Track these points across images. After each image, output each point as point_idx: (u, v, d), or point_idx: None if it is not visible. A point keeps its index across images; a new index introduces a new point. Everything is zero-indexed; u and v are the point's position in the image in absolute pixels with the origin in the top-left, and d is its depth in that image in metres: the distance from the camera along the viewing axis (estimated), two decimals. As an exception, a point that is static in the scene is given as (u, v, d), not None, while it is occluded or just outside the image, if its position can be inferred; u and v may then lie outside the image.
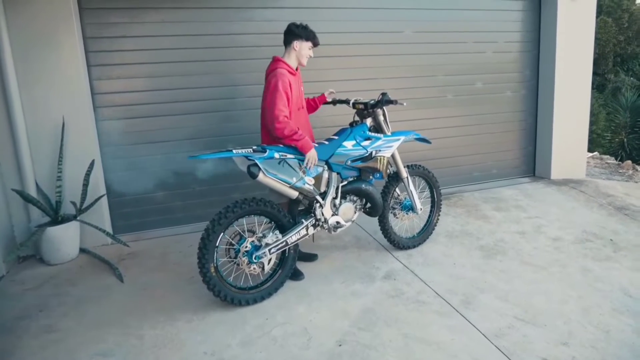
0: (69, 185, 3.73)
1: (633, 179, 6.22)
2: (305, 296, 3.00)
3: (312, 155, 2.95)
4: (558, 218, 4.29)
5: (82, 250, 3.80)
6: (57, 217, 3.65)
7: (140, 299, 3.05)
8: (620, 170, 6.77)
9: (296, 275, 3.22)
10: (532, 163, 5.70)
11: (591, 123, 5.94)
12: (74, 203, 3.64)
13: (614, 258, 3.46)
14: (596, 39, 5.68)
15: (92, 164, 3.74)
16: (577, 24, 5.20)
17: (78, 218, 3.69)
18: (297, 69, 3.17)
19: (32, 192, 3.63)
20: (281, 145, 2.96)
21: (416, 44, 4.86)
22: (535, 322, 2.65)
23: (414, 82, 4.91)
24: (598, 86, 13.21)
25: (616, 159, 7.86)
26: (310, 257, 3.50)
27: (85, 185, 3.70)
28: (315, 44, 3.14)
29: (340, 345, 2.48)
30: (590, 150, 7.25)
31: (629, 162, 7.16)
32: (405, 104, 3.34)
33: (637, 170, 6.82)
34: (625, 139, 9.41)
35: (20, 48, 3.53)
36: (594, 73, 6.16)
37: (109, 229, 3.98)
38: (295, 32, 3.09)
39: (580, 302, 2.85)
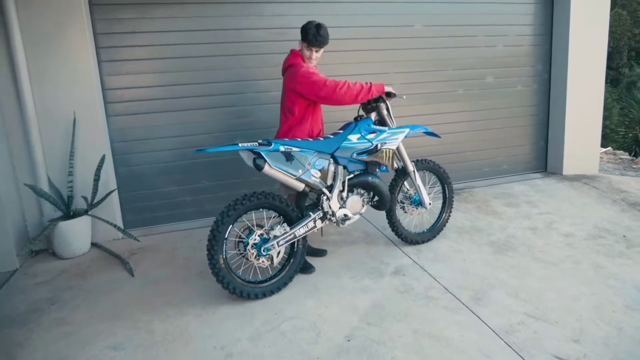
0: (80, 180, 3.77)
1: (647, 175, 6.13)
2: (314, 291, 3.00)
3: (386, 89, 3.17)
4: (570, 214, 4.23)
5: (94, 245, 3.84)
6: (69, 212, 3.69)
7: (151, 292, 3.07)
8: (634, 166, 6.67)
9: (307, 268, 3.24)
10: (544, 158, 5.63)
11: (604, 118, 5.85)
12: (85, 198, 3.68)
13: (627, 254, 3.41)
14: (610, 32, 5.57)
15: (102, 159, 3.77)
16: (590, 17, 5.11)
17: (89, 213, 3.73)
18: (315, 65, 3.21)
19: (45, 186, 3.66)
20: (286, 139, 2.99)
21: (426, 38, 4.81)
22: (547, 318, 2.62)
23: (425, 77, 4.88)
24: (612, 80, 13.01)
25: (630, 155, 7.74)
26: (319, 253, 3.50)
27: (96, 180, 3.73)
28: (310, 46, 3.06)
29: (349, 340, 2.47)
30: (603, 145, 7.15)
31: (643, 157, 7.06)
32: (404, 97, 3.33)
33: (651, 165, 6.71)
34: (639, 134, 9.26)
35: (31, 44, 3.55)
36: (608, 67, 6.05)
37: (120, 224, 4.01)
38: (301, 30, 3.10)
39: (593, 299, 2.82)
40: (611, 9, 5.38)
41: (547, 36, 5.33)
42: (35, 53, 3.58)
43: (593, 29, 5.15)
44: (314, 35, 3.02)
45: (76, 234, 3.67)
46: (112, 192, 3.86)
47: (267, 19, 4.25)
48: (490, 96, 5.23)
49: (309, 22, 3.07)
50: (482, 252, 3.51)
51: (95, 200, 3.74)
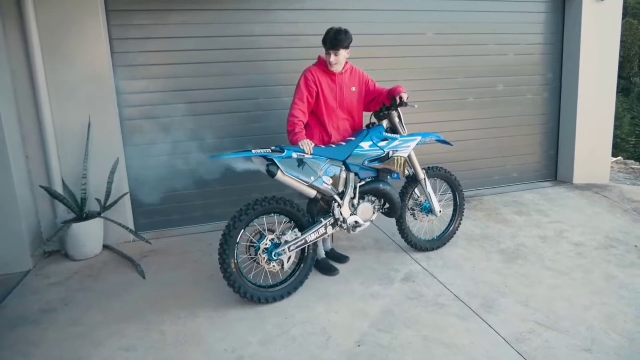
0: (93, 182, 3.82)
1: (658, 185, 6.08)
2: (324, 296, 3.02)
3: (302, 143, 2.97)
4: (580, 223, 4.22)
5: (105, 247, 3.89)
6: (82, 214, 3.73)
7: (162, 295, 3.10)
8: (645, 176, 6.62)
9: (331, 270, 3.33)
10: (554, 167, 5.61)
11: (615, 127, 5.81)
12: (98, 200, 3.73)
13: (639, 265, 3.38)
14: (621, 41, 5.57)
15: (116, 162, 3.82)
16: (602, 26, 5.11)
17: (102, 215, 3.78)
18: (345, 70, 3.24)
19: (59, 188, 3.72)
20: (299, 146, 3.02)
21: (438, 46, 4.84)
22: (557, 327, 2.61)
23: (435, 84, 4.89)
24: (623, 90, 12.92)
25: (641, 164, 7.67)
26: (342, 259, 3.53)
27: (110, 183, 3.77)
28: (325, 48, 3.11)
29: (359, 346, 2.48)
30: (613, 155, 7.11)
31: (655, 167, 7.00)
32: (415, 106, 3.35)
33: (662, 175, 6.66)
34: (650, 144, 9.20)
35: (49, 49, 3.62)
36: (619, 76, 6.05)
37: (131, 226, 4.05)
38: None
39: (604, 309, 2.80)
40: (622, 18, 5.37)
41: (558, 45, 5.33)
42: (52, 58, 3.65)
43: (604, 37, 5.16)
44: (329, 38, 3.07)
45: (89, 236, 3.71)
46: (124, 195, 3.90)
47: (279, 25, 4.29)
48: (500, 104, 5.23)
49: (331, 27, 3.12)
50: (492, 260, 3.50)
51: (108, 203, 3.79)
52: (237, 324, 2.72)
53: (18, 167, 3.51)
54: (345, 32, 3.11)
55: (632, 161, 7.80)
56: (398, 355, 2.40)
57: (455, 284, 3.13)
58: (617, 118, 8.47)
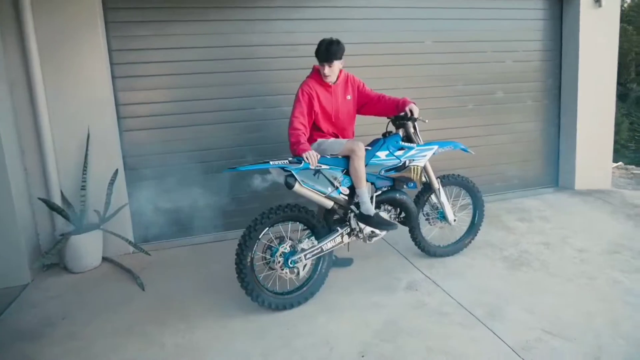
0: (92, 194, 3.79)
1: (660, 190, 6.04)
2: (326, 306, 2.97)
3: (307, 154, 2.87)
4: (584, 229, 4.18)
5: (105, 259, 3.85)
6: (81, 226, 3.70)
7: (162, 307, 3.06)
8: (647, 181, 6.59)
9: (344, 263, 3.42)
10: (555, 173, 5.59)
11: (614, 133, 5.80)
12: (97, 212, 3.70)
13: (644, 270, 3.35)
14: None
15: (115, 173, 3.79)
16: (600, 32, 5.12)
17: (101, 227, 3.74)
18: (340, 80, 3.22)
19: (57, 200, 3.69)
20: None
21: (436, 54, 4.84)
22: (564, 335, 2.57)
23: (435, 92, 4.89)
24: (620, 95, 12.97)
25: (642, 169, 7.65)
26: (345, 263, 3.53)
27: (109, 194, 3.75)
28: (320, 61, 3.08)
29: (362, 356, 2.44)
30: (614, 160, 7.09)
31: (656, 172, 6.98)
32: (427, 121, 3.35)
33: (664, 180, 6.63)
34: (650, 149, 9.20)
35: (48, 60, 3.62)
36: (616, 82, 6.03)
37: (131, 238, 4.01)
38: None
39: (610, 315, 2.76)
40: (618, 25, 5.39)
41: (556, 52, 5.34)
42: (52, 69, 3.64)
43: (602, 44, 5.16)
44: (322, 51, 3.05)
45: (88, 248, 3.68)
46: (123, 206, 3.87)
47: (277, 35, 4.29)
48: (500, 111, 5.22)
49: (323, 39, 3.10)
50: (496, 267, 3.47)
51: (107, 214, 3.76)
52: (238, 336, 2.68)
53: (16, 181, 3.48)
54: (338, 42, 3.08)
55: (633, 166, 7.79)
56: (402, 365, 2.36)
57: (459, 292, 3.09)
58: (616, 124, 8.48)
